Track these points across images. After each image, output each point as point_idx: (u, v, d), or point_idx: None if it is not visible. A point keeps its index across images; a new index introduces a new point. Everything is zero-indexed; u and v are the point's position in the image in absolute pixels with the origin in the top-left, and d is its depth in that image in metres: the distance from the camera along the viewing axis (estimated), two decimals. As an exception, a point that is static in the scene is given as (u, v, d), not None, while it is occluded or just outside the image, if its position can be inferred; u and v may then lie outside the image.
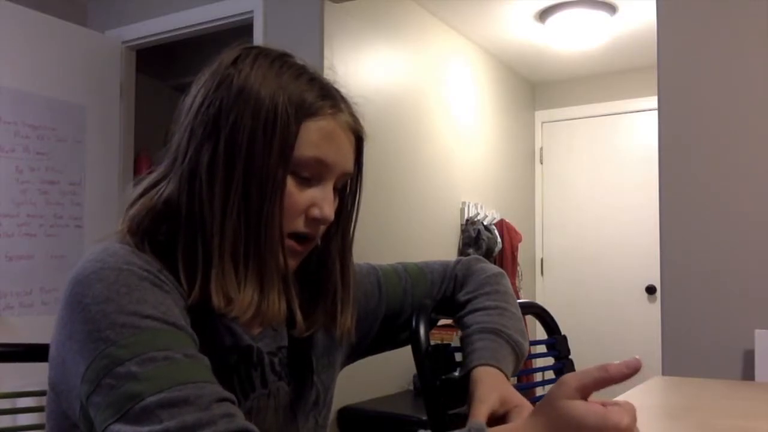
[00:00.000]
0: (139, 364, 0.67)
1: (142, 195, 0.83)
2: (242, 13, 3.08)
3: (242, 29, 3.06)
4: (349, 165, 0.87)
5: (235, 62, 0.82)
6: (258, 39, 2.98)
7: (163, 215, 0.81)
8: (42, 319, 2.84)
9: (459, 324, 1.04)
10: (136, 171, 3.48)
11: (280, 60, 0.84)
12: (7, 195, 2.84)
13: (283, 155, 0.79)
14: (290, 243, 0.83)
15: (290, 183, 0.81)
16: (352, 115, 0.88)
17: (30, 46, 2.97)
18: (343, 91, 0.89)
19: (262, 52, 0.84)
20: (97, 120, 3.25)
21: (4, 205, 2.83)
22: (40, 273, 2.93)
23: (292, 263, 0.85)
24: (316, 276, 0.90)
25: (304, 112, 0.81)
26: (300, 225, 0.83)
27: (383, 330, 1.05)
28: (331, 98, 0.85)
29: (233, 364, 0.83)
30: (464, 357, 0.96)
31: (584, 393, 0.66)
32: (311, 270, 0.90)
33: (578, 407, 0.64)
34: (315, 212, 0.83)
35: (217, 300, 0.77)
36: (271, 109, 0.79)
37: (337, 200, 0.88)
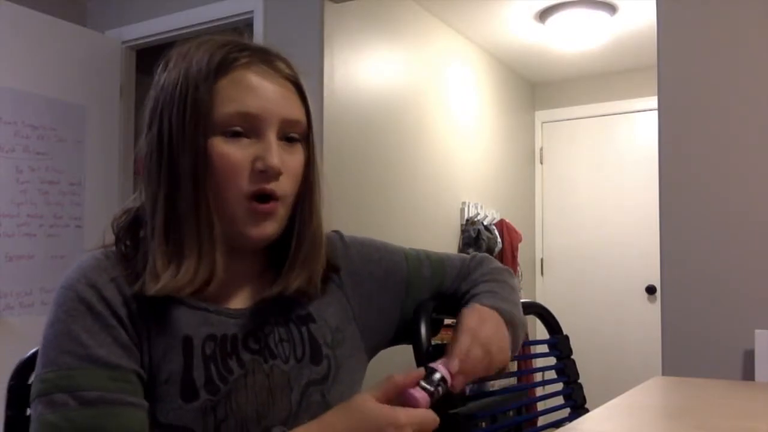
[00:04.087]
0: (44, 405, 0.76)
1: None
2: (242, 13, 3.08)
3: (242, 29, 3.05)
4: (286, 111, 0.85)
5: (165, 64, 0.86)
6: (258, 39, 2.97)
7: (138, 217, 0.87)
8: (42, 319, 2.80)
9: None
10: (136, 171, 3.48)
11: (202, 40, 0.87)
12: (7, 195, 2.84)
13: (198, 120, 0.81)
14: (253, 205, 0.83)
15: (220, 144, 0.82)
16: (283, 62, 0.88)
17: (30, 46, 2.97)
18: (276, 49, 0.90)
19: (190, 44, 0.87)
20: (97, 120, 3.25)
21: (4, 205, 2.83)
22: (40, 273, 2.93)
23: (263, 230, 0.84)
24: (290, 234, 0.90)
25: (214, 72, 0.82)
26: (246, 183, 0.83)
27: (404, 313, 1.03)
28: (247, 50, 0.85)
29: (210, 354, 0.83)
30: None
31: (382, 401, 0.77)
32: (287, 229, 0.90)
33: (367, 400, 0.76)
34: (258, 165, 0.83)
35: (148, 281, 0.80)
36: (182, 84, 0.82)
37: (296, 152, 0.87)
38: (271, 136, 0.83)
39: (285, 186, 0.85)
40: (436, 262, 1.07)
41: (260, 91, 0.84)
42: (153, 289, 0.80)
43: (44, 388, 0.76)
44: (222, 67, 0.83)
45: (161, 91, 0.84)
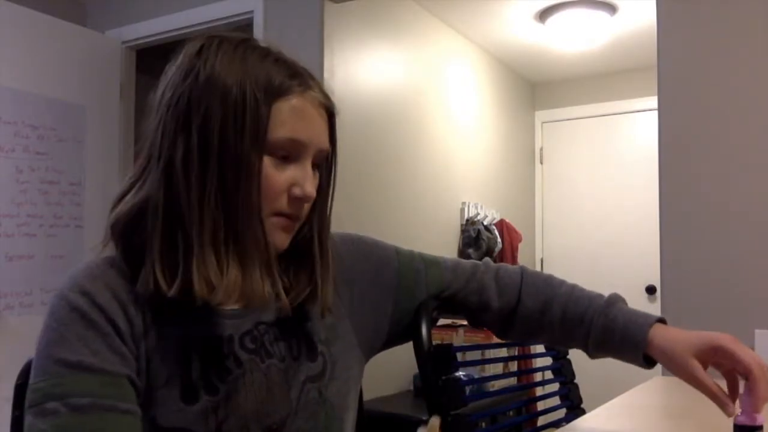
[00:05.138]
0: (35, 414, 0.75)
1: (120, 198, 0.86)
2: (242, 13, 3.08)
3: (242, 29, 3.05)
4: (323, 141, 0.88)
5: (199, 53, 0.84)
6: (258, 39, 2.97)
7: (141, 215, 0.83)
8: (42, 319, 2.83)
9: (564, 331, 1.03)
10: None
11: (244, 44, 0.86)
12: (7, 195, 2.84)
13: (256, 139, 0.81)
14: (278, 220, 0.85)
15: (268, 164, 0.83)
16: (322, 91, 0.89)
17: (30, 46, 2.97)
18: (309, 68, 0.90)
19: (225, 40, 0.86)
20: (97, 120, 3.25)
21: (4, 205, 2.83)
22: (40, 273, 2.93)
23: (282, 241, 0.87)
24: (297, 251, 0.91)
25: (273, 93, 0.83)
26: (283, 204, 0.85)
27: (398, 308, 1.03)
28: (299, 76, 0.86)
29: (208, 356, 0.84)
30: (615, 336, 0.98)
31: None
32: (292, 246, 0.91)
33: None
34: (296, 191, 0.85)
35: (199, 288, 0.79)
36: (240, 95, 0.81)
37: (317, 177, 0.90)
38: (308, 164, 0.86)
39: (307, 209, 0.89)
40: (428, 258, 1.08)
41: (310, 121, 0.86)
42: (206, 295, 0.80)
43: (35, 397, 0.76)
44: (282, 91, 0.83)
45: (205, 89, 0.81)
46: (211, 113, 0.80)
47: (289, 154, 0.84)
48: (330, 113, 0.90)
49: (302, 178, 0.85)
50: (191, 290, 0.79)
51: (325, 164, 0.92)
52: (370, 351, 1.02)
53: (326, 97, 0.89)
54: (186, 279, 0.79)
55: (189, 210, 0.80)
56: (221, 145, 0.80)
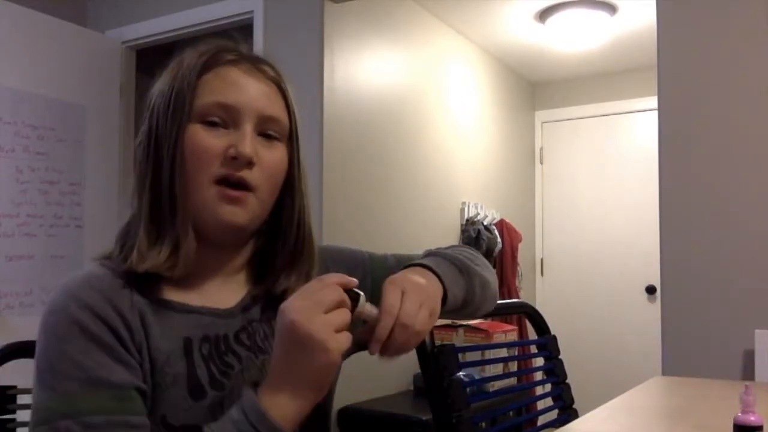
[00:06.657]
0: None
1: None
2: (242, 13, 3.08)
3: (242, 29, 3.05)
4: (265, 107, 0.88)
5: (166, 68, 0.91)
6: (258, 39, 2.97)
7: (130, 224, 0.89)
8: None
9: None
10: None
11: (198, 45, 0.91)
12: (7, 195, 2.84)
13: (179, 109, 0.85)
14: (219, 189, 0.85)
15: (197, 130, 0.85)
16: (270, 66, 0.92)
17: (30, 46, 2.96)
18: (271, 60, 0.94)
19: (188, 49, 0.91)
20: (97, 120, 3.24)
21: (4, 205, 2.83)
22: (40, 273, 2.93)
23: (230, 214, 0.85)
24: (274, 239, 0.93)
25: (201, 68, 0.87)
26: (218, 168, 0.85)
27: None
28: (235, 52, 0.90)
29: (207, 355, 0.85)
30: None
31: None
32: (273, 233, 0.93)
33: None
34: (231, 152, 0.85)
35: (136, 261, 0.82)
36: (172, 81, 0.87)
37: (274, 150, 0.89)
38: (248, 128, 0.86)
39: (257, 177, 0.87)
40: (399, 256, 1.09)
41: (241, 86, 0.87)
42: (141, 268, 0.82)
43: (45, 416, 0.74)
44: (209, 63, 0.87)
45: (156, 89, 0.89)
46: (155, 104, 0.87)
47: (221, 119, 0.86)
48: (280, 87, 0.91)
49: (237, 139, 0.85)
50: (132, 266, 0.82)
51: (291, 142, 0.92)
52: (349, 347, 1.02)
53: (274, 70, 0.91)
54: (129, 253, 0.83)
55: (137, 191, 0.86)
56: (156, 127, 0.86)
